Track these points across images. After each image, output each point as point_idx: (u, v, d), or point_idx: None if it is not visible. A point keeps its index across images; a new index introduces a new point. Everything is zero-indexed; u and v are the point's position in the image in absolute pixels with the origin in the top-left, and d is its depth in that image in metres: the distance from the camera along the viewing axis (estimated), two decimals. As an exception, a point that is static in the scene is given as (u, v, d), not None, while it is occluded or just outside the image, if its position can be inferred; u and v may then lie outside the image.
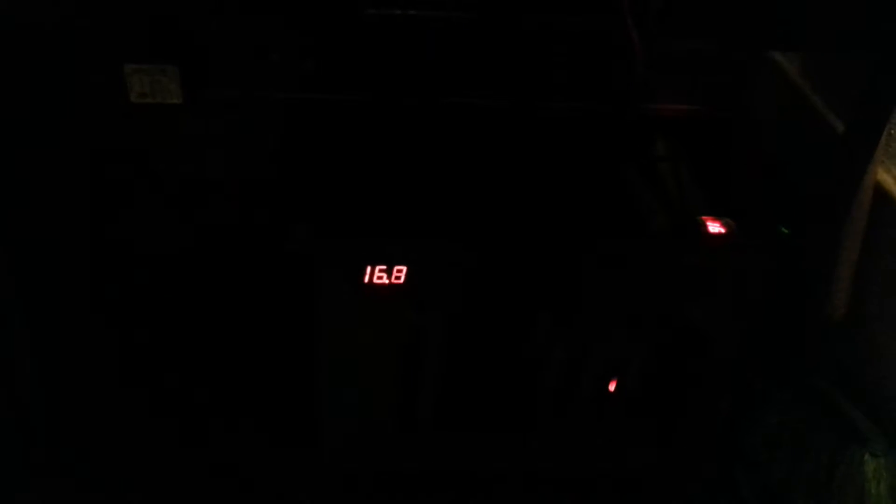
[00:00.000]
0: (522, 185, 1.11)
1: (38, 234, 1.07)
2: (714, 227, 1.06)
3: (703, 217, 1.07)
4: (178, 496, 1.24)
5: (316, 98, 1.04)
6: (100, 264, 1.10)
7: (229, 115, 1.04)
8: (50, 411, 1.21)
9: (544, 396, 1.18)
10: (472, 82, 1.06)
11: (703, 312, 1.12)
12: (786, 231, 1.08)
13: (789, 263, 1.11)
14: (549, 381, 1.17)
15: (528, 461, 1.26)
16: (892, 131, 1.12)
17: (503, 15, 1.00)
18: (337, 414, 1.19)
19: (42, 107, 0.98)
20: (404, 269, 1.04)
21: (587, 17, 1.01)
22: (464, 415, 1.21)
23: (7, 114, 0.98)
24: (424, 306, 1.09)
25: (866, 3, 0.99)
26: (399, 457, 1.24)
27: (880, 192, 1.14)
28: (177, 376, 1.20)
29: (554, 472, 1.27)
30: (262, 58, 1.00)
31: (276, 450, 1.25)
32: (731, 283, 1.09)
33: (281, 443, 1.25)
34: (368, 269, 1.04)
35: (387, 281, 1.04)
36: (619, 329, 1.12)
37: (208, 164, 1.06)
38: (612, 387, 1.17)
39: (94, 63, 0.96)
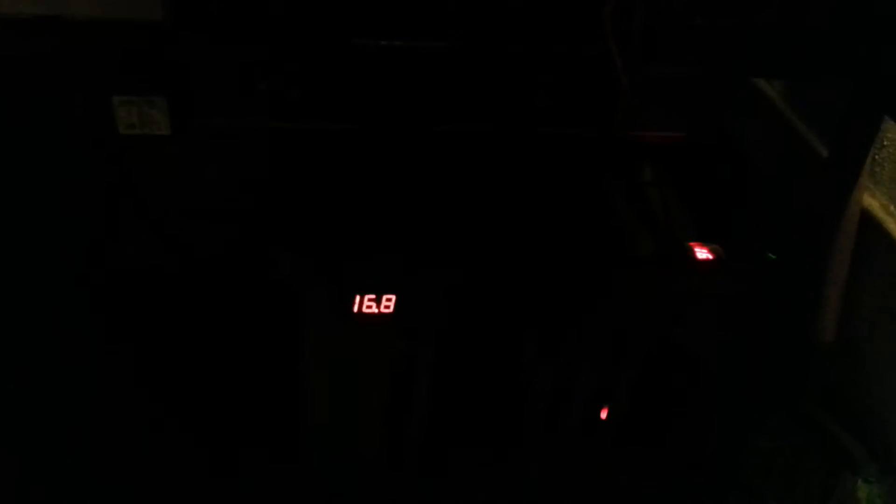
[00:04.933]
0: (510, 212, 1.11)
1: (26, 262, 1.07)
2: (702, 253, 1.07)
3: (691, 243, 1.08)
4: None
5: (303, 127, 1.04)
6: (89, 292, 1.10)
7: (217, 145, 1.04)
8: (38, 432, 1.20)
9: (535, 424, 1.18)
10: (459, 110, 1.06)
11: (693, 337, 1.12)
12: (772, 257, 1.08)
13: (777, 288, 1.11)
14: (540, 409, 1.16)
15: (519, 489, 1.25)
16: (877, 156, 1.13)
17: (488, 43, 1.01)
18: (324, 440, 1.19)
19: (29, 139, 0.98)
20: (393, 297, 1.04)
21: (572, 45, 1.02)
22: (453, 443, 1.20)
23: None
24: (413, 334, 1.08)
25: (845, 30, 1.00)
26: (386, 484, 1.23)
27: (866, 216, 1.15)
28: (163, 401, 1.19)
29: (545, 500, 1.26)
30: (249, 88, 1.00)
31: (262, 474, 1.24)
32: (719, 308, 1.09)
33: (268, 467, 1.24)
34: (357, 298, 1.03)
35: (376, 310, 1.04)
36: (609, 355, 1.12)
37: (196, 194, 1.06)
38: (603, 414, 1.16)
39: (82, 95, 0.96)
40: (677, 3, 0.97)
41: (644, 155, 1.16)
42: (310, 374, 1.11)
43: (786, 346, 1.17)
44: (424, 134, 1.06)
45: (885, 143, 1.12)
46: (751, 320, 1.11)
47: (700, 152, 1.15)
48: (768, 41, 1.00)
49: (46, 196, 1.03)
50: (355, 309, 1.04)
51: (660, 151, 1.15)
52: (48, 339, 1.12)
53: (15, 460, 1.19)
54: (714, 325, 1.11)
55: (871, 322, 1.16)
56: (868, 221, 1.15)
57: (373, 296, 1.04)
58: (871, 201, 1.15)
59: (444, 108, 1.05)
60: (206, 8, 0.92)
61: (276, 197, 1.07)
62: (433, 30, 0.99)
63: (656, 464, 1.23)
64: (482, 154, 1.09)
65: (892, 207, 1.12)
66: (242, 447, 1.23)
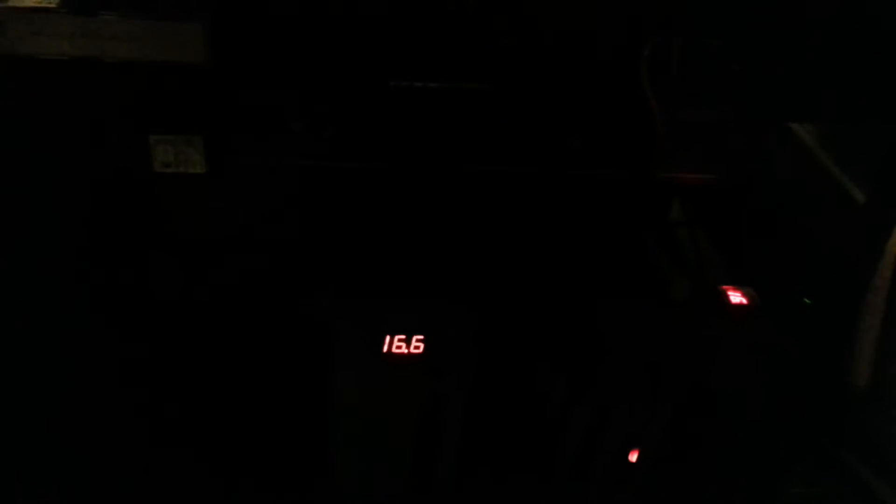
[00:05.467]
0: (542, 253, 1.11)
1: (59, 300, 1.07)
2: (736, 297, 1.05)
3: (725, 287, 1.07)
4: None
5: (337, 166, 1.05)
6: (124, 329, 1.10)
7: (251, 183, 1.04)
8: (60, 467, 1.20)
9: (563, 465, 1.17)
10: (493, 151, 1.06)
11: (725, 381, 1.10)
12: (807, 301, 1.07)
13: (812, 332, 1.10)
14: (569, 450, 1.15)
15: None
16: (913, 200, 1.12)
17: (523, 85, 1.01)
18: (352, 478, 1.18)
19: (66, 176, 0.99)
20: (423, 338, 1.03)
21: (606, 86, 1.02)
22: (481, 483, 1.19)
23: (30, 184, 0.98)
24: (443, 374, 1.08)
25: (882, 74, 1.00)
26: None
27: (901, 260, 1.14)
28: (189, 434, 1.19)
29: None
30: (285, 127, 1.01)
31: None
32: (752, 352, 1.08)
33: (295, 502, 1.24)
34: (388, 338, 1.03)
35: (405, 350, 1.04)
36: (640, 398, 1.11)
37: (230, 231, 1.06)
38: (633, 457, 1.15)
39: (119, 134, 0.96)
40: (714, 48, 0.96)
41: (677, 197, 1.16)
42: (338, 412, 1.10)
43: (819, 391, 1.16)
44: (458, 174, 1.06)
45: (922, 187, 1.11)
46: (784, 364, 1.09)
47: (733, 195, 1.14)
48: (805, 87, 1.00)
49: (81, 232, 1.03)
50: (385, 349, 1.04)
51: (693, 194, 1.14)
52: (75, 371, 1.12)
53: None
54: (747, 369, 1.09)
55: (906, 367, 1.15)
56: (903, 265, 1.14)
57: (402, 336, 1.03)
58: (907, 245, 1.14)
59: (477, 148, 1.05)
60: (248, 50, 0.92)
61: (309, 236, 1.08)
62: (468, 71, 0.99)
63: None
64: (515, 195, 1.09)
65: (928, 253, 1.11)
66: (269, 482, 1.22)
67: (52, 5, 0.89)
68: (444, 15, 0.95)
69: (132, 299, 1.07)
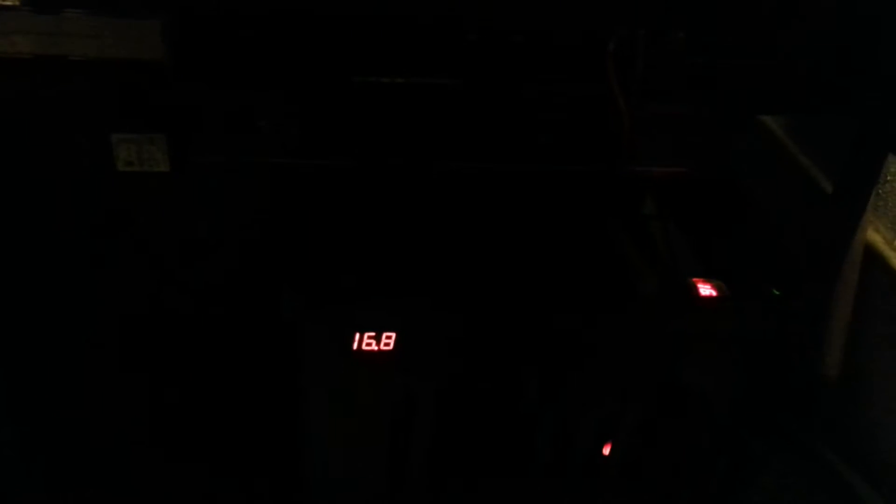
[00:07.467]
0: (511, 248, 1.11)
1: (23, 299, 1.06)
2: (705, 290, 1.06)
3: (694, 279, 1.07)
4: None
5: (303, 164, 1.04)
6: (86, 329, 1.09)
7: (216, 182, 1.03)
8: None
9: (537, 461, 1.17)
10: (460, 147, 1.06)
11: (696, 375, 1.10)
12: (777, 292, 1.08)
13: (782, 324, 1.10)
14: (542, 446, 1.15)
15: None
16: (880, 191, 1.13)
17: (491, 82, 1.01)
18: (324, 477, 1.17)
19: (27, 177, 0.98)
20: (394, 335, 1.03)
21: (574, 83, 1.02)
22: (454, 481, 1.19)
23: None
24: (414, 372, 1.07)
25: (848, 67, 1.00)
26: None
27: (869, 251, 1.14)
28: (161, 437, 1.18)
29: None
30: (249, 125, 1.00)
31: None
32: (723, 345, 1.08)
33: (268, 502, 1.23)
34: (357, 335, 1.02)
35: (376, 347, 1.03)
36: (611, 393, 1.11)
37: (195, 231, 1.06)
38: (606, 450, 1.15)
39: (81, 133, 0.96)
40: (678, 43, 0.96)
41: (646, 191, 1.16)
42: (309, 411, 1.10)
43: (790, 382, 1.16)
44: (425, 171, 1.06)
45: (889, 178, 1.11)
46: (755, 356, 1.10)
47: (703, 187, 1.14)
48: (771, 80, 1.00)
49: (43, 233, 1.02)
50: (355, 346, 1.03)
51: (662, 187, 1.14)
52: (42, 376, 1.12)
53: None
54: (717, 361, 1.10)
55: (876, 358, 1.16)
56: (871, 256, 1.14)
57: (372, 333, 1.03)
58: (875, 236, 1.14)
59: (445, 145, 1.05)
60: (207, 46, 0.92)
61: (275, 234, 1.07)
62: (434, 68, 0.98)
63: (660, 501, 1.22)
64: (484, 192, 1.09)
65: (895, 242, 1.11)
66: (242, 483, 1.22)
67: (11, 3, 0.88)
68: (409, 10, 0.95)
69: (96, 300, 1.06)
